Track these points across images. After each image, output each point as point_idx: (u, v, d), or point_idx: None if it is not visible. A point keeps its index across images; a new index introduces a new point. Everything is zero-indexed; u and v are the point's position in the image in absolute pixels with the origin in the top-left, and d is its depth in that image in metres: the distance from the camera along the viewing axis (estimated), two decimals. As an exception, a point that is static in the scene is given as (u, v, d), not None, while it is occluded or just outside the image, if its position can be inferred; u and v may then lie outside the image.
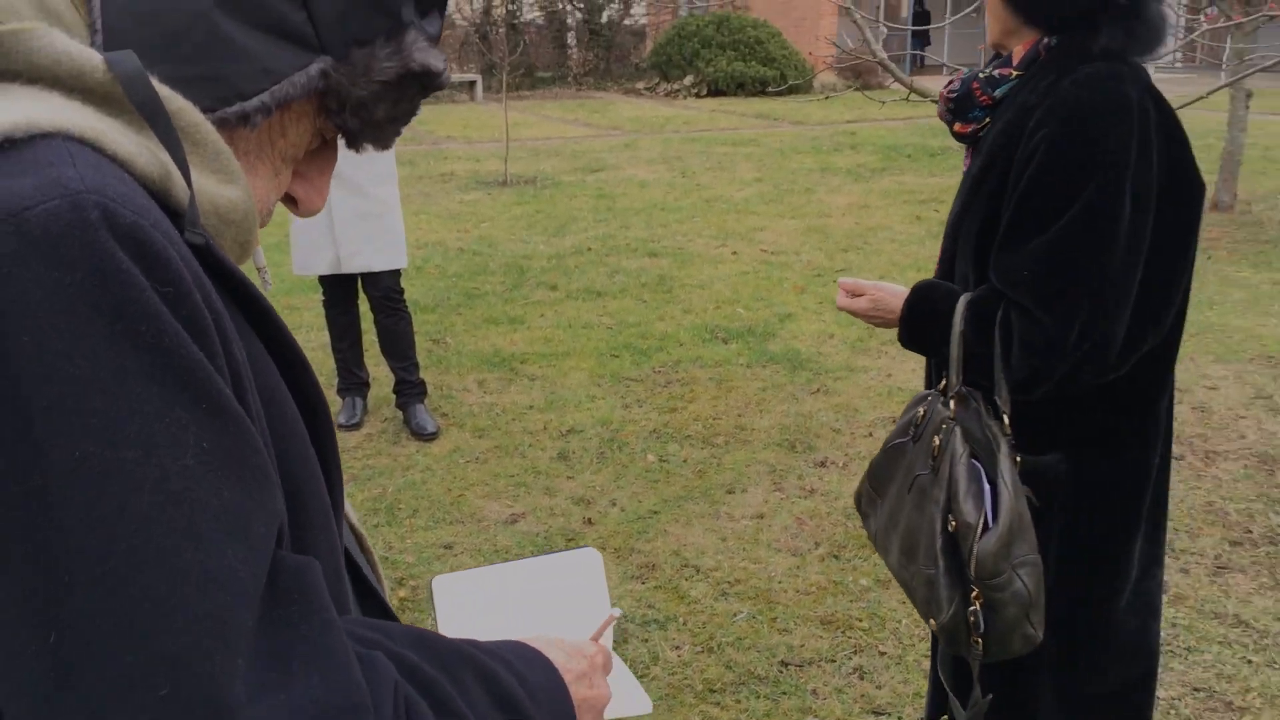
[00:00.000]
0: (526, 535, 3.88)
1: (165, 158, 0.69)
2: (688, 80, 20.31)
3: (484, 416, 4.98)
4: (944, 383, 1.89)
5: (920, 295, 1.98)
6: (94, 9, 0.74)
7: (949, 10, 24.69)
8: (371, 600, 0.95)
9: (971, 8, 4.92)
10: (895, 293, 2.05)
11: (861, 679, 3.07)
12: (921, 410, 1.93)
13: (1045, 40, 1.84)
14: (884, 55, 4.63)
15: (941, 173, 11.63)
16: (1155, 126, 1.71)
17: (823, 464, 4.47)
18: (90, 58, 0.68)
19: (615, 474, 4.39)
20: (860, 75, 18.09)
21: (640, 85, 21.34)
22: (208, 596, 0.61)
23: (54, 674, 0.59)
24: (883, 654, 3.17)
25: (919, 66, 23.76)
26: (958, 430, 1.80)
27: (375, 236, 4.59)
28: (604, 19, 23.20)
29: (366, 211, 4.55)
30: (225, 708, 0.60)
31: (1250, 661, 3.11)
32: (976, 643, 1.74)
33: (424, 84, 0.86)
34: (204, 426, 0.63)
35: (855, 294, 2.10)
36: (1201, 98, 5.11)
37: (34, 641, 0.59)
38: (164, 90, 0.71)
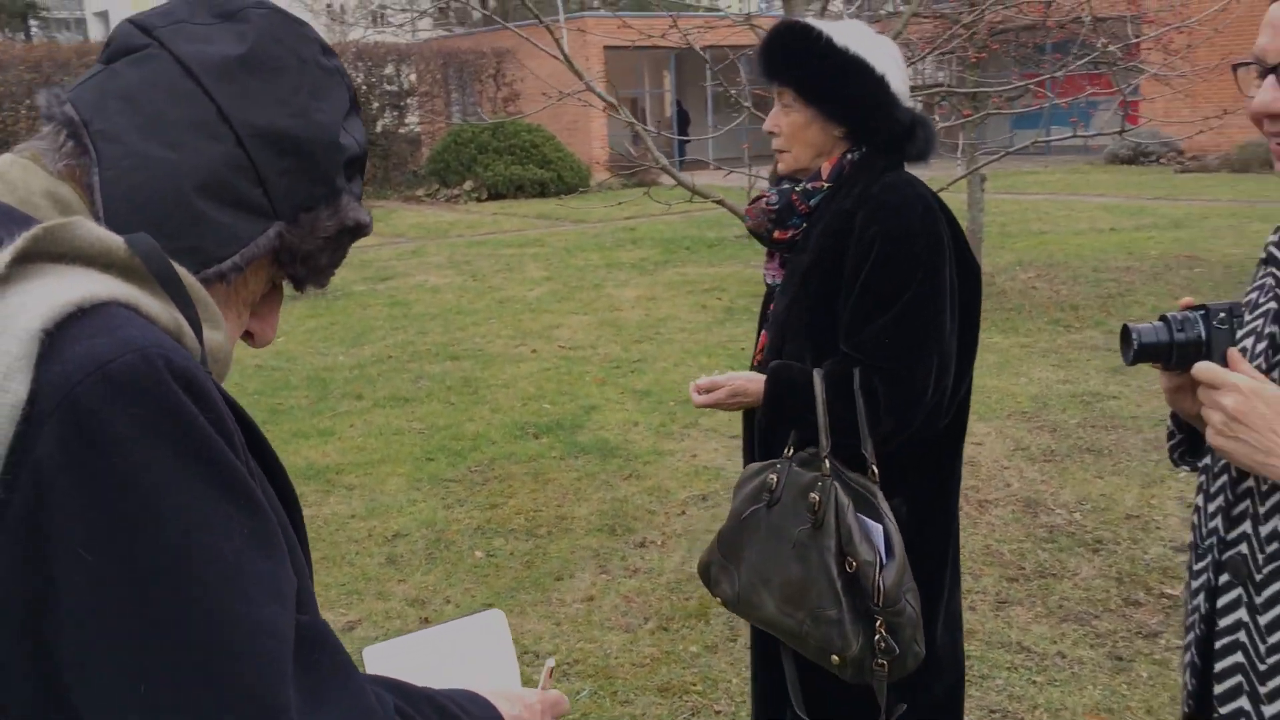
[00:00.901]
0: (365, 640, 3.95)
1: (177, 314, 0.90)
2: (467, 185, 20.69)
3: (306, 529, 5.01)
4: (791, 451, 2.19)
5: (778, 376, 2.23)
6: (96, 202, 0.95)
7: (709, 109, 26.13)
8: None
9: (743, 116, 5.41)
10: (750, 378, 2.28)
11: (702, 737, 3.30)
12: (773, 477, 2.18)
13: (850, 156, 2.24)
14: (665, 161, 5.04)
15: (719, 263, 12.30)
16: (945, 220, 2.19)
17: (643, 544, 4.73)
18: (115, 241, 0.89)
19: (446, 573, 4.52)
20: (636, 174, 18.89)
21: (420, 192, 21.57)
22: (265, 644, 0.82)
23: (161, 706, 0.79)
24: (718, 712, 3.42)
25: (683, 165, 24.95)
26: (836, 485, 2.08)
27: None
28: (379, 128, 23.39)
29: None
30: None
31: (1034, 682, 3.52)
32: (881, 666, 2.01)
33: (354, 233, 1.08)
34: (245, 516, 0.84)
35: (710, 389, 2.31)
36: (944, 188, 5.77)
37: (133, 687, 0.79)
38: (165, 260, 0.92)
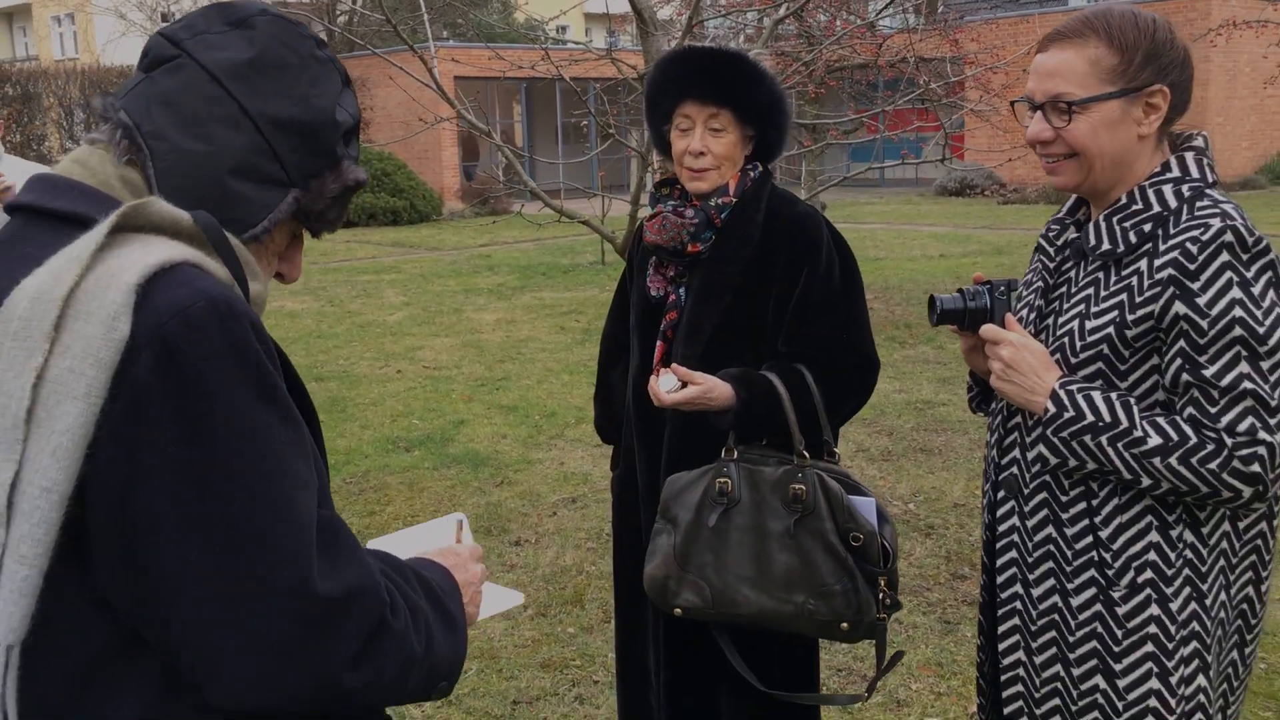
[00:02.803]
0: (256, 637, 4.13)
1: (228, 272, 1.19)
2: (318, 213, 20.55)
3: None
4: (733, 453, 2.39)
5: (744, 380, 2.41)
6: (152, 185, 1.22)
7: (560, 139, 26.56)
8: None
9: (605, 144, 5.78)
10: (718, 382, 2.39)
11: (583, 704, 3.62)
12: (724, 481, 2.35)
13: (752, 173, 2.54)
14: (534, 185, 5.38)
15: (575, 287, 12.67)
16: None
17: (518, 543, 5.02)
18: (183, 215, 1.17)
19: (329, 574, 4.71)
20: (488, 202, 19.13)
21: (269, 220, 21.31)
22: (301, 518, 1.12)
23: (221, 559, 1.08)
24: (596, 682, 3.75)
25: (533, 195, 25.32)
26: (820, 475, 2.30)
27: None
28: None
29: None
30: (310, 578, 1.10)
31: (877, 645, 3.96)
32: (883, 619, 2.29)
33: (355, 189, 1.36)
34: (285, 426, 1.14)
35: (687, 382, 2.38)
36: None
37: (204, 555, 1.08)
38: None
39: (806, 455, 2.37)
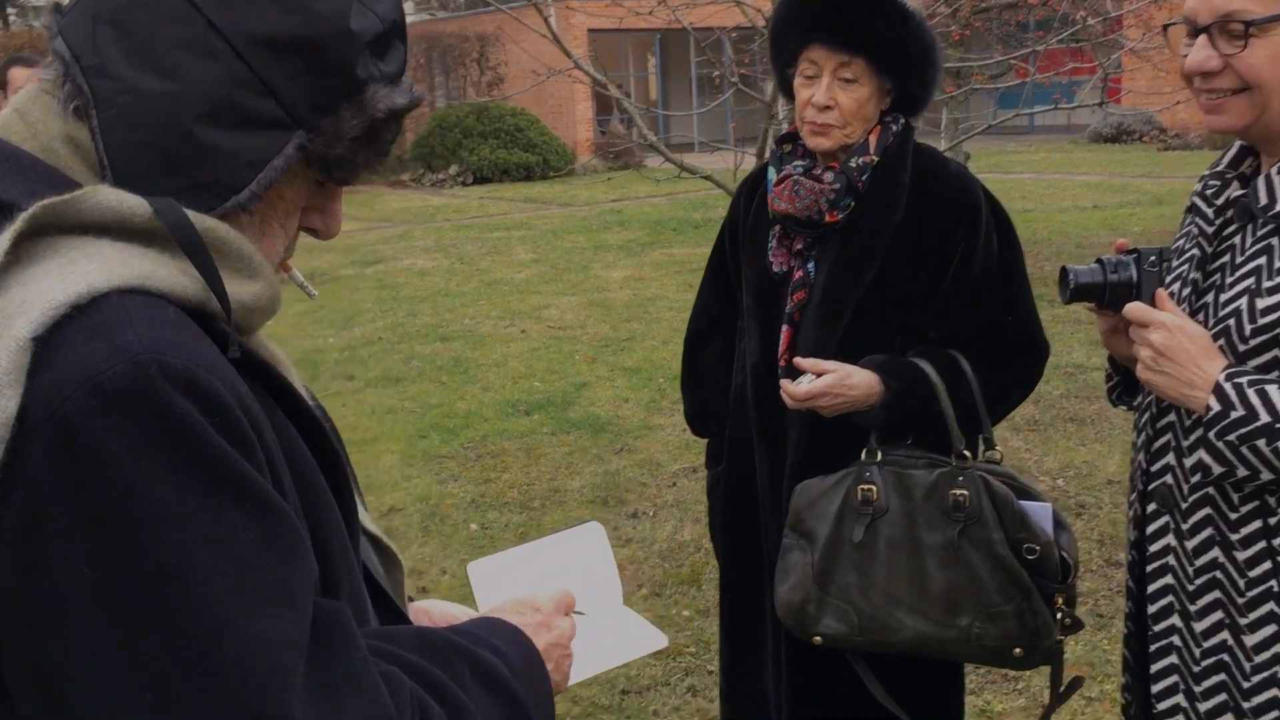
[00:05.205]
0: (364, 610, 4.02)
1: (199, 278, 0.89)
2: (452, 170, 20.67)
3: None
4: (876, 454, 2.09)
5: (893, 370, 2.09)
6: (99, 149, 0.92)
7: (694, 92, 26.15)
8: (384, 603, 1.14)
9: (729, 93, 5.47)
10: (854, 370, 2.07)
11: (695, 696, 3.39)
12: (867, 489, 2.04)
13: (894, 127, 2.18)
14: (655, 139, 5.10)
15: (706, 243, 12.26)
16: None
17: (634, 515, 4.81)
18: (135, 206, 0.88)
19: (441, 545, 4.59)
20: (620, 157, 18.91)
21: (405, 177, 21.53)
22: (269, 657, 0.83)
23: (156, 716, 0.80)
24: (710, 672, 3.50)
25: (670, 147, 25.01)
26: (984, 477, 2.00)
27: None
28: (363, 114, 23.30)
29: None
30: None
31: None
32: (1060, 642, 2.00)
33: (392, 121, 1.00)
34: (251, 521, 0.84)
35: (817, 373, 2.07)
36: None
37: (136, 706, 0.80)
38: (192, 215, 0.90)
39: (968, 455, 2.07)
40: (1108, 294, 1.69)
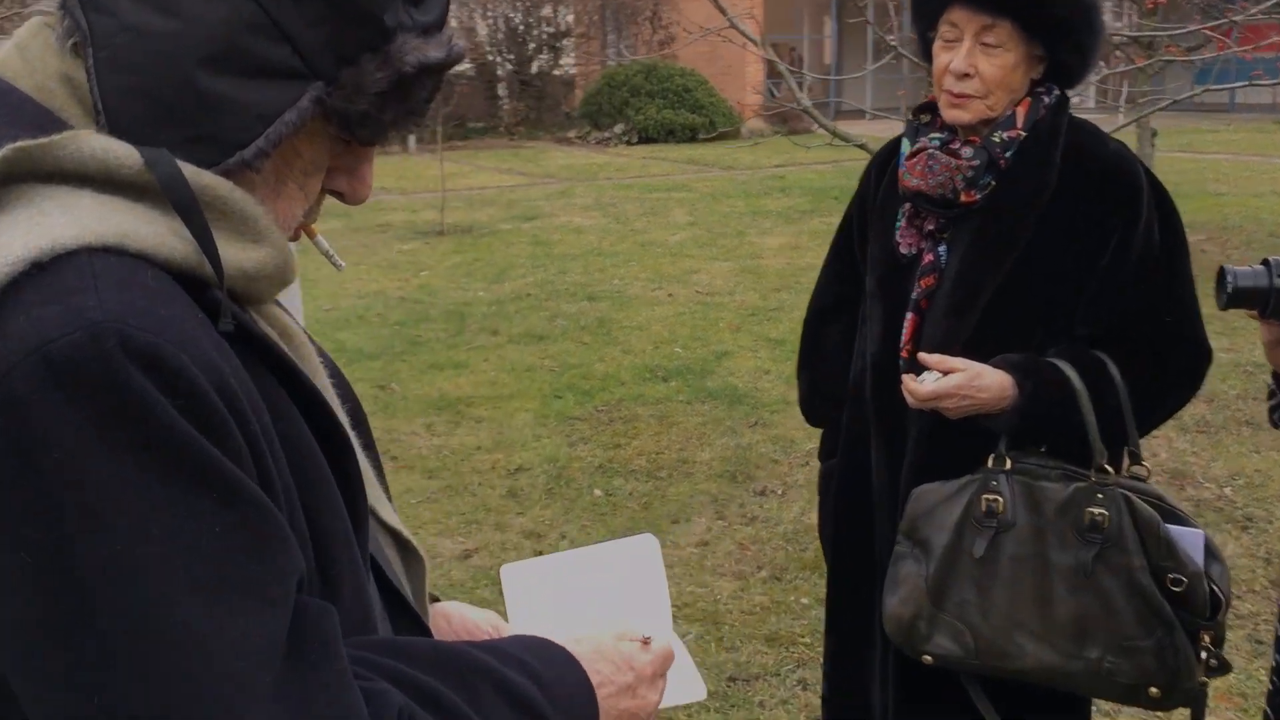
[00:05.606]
0: (479, 569, 4.01)
1: (190, 239, 0.80)
2: (618, 128, 20.67)
3: (433, 458, 5.11)
4: (1005, 462, 1.89)
5: (1030, 371, 1.89)
6: (94, 92, 0.82)
7: (870, 58, 25.39)
8: (400, 609, 1.04)
9: (890, 55, 5.20)
10: (986, 369, 1.89)
11: (805, 690, 3.24)
12: (993, 499, 1.87)
13: (1046, 99, 1.96)
14: (809, 103, 4.89)
15: (868, 213, 11.98)
16: None
17: (762, 493, 4.66)
18: (124, 156, 0.79)
19: (564, 508, 4.54)
20: (787, 121, 18.55)
21: (572, 134, 21.65)
22: (228, 665, 0.73)
23: None
24: (825, 666, 3.35)
25: (838, 116, 24.40)
26: (1127, 496, 1.81)
27: None
28: (534, 70, 23.53)
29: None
30: None
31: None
32: (1204, 684, 1.81)
33: (423, 78, 0.88)
34: (218, 513, 0.74)
35: (944, 370, 1.90)
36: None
37: (81, 710, 0.72)
38: (189, 170, 0.81)
39: (1110, 469, 1.86)
40: (1272, 300, 1.46)
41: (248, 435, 0.79)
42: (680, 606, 3.71)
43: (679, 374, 6.28)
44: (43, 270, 0.73)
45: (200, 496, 0.74)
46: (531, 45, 23.69)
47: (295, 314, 4.20)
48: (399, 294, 8.45)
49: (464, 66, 23.53)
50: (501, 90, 23.78)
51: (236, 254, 0.84)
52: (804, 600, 3.74)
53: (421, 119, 0.93)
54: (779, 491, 4.67)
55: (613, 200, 13.28)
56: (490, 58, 23.41)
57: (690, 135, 20.25)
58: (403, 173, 16.45)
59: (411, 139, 20.27)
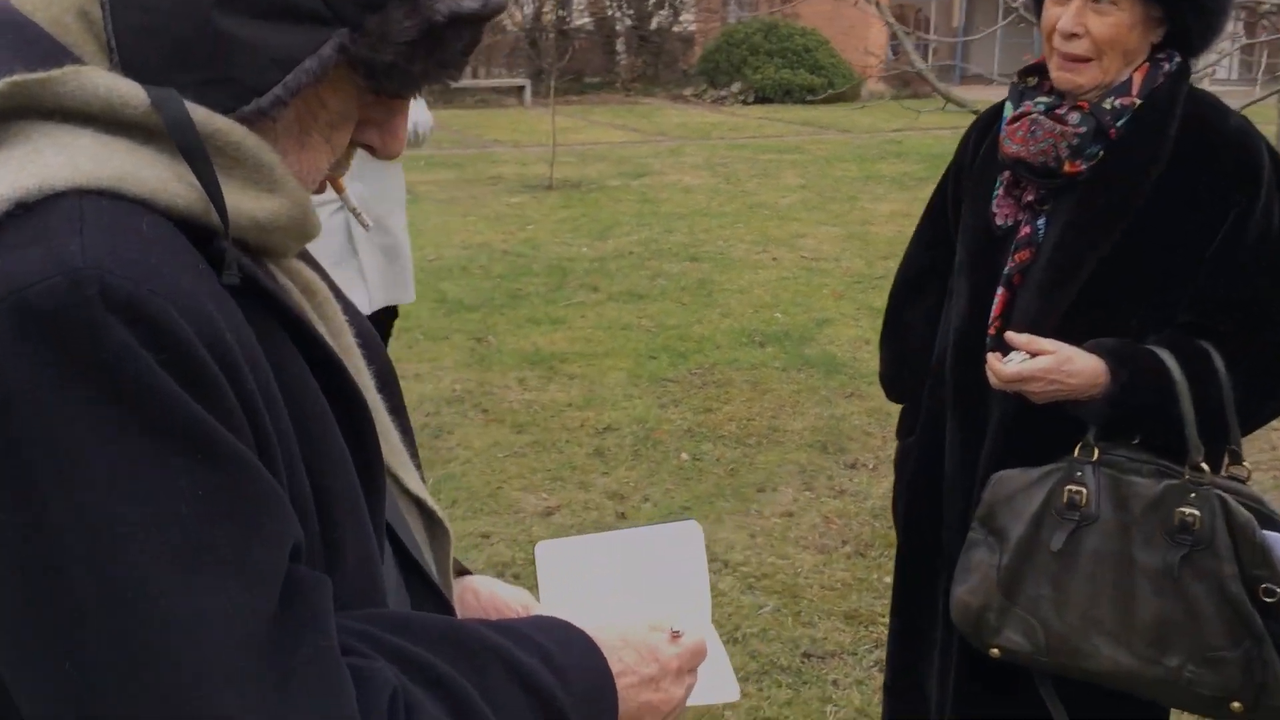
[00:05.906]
0: (561, 528, 3.99)
1: (199, 193, 0.75)
2: (735, 87, 20.40)
3: (524, 413, 5.11)
4: (1093, 452, 1.80)
5: (1124, 356, 1.78)
6: (107, 29, 0.78)
7: (1000, 19, 24.55)
8: (420, 582, 1.00)
9: (1011, 16, 4.98)
10: (1078, 352, 1.78)
11: (881, 671, 3.14)
12: (1077, 490, 1.77)
13: (1165, 66, 1.83)
14: (924, 66, 4.71)
15: (986, 182, 11.62)
16: None
17: (853, 466, 4.56)
18: (129, 95, 0.75)
19: (649, 471, 4.50)
20: (909, 84, 18.07)
21: (688, 92, 21.44)
22: (201, 639, 0.68)
23: (70, 707, 0.68)
24: (903, 649, 3.26)
25: (963, 80, 23.68)
26: (1222, 497, 1.71)
27: (400, 271, 4.34)
28: (653, 26, 23.34)
29: (388, 246, 4.24)
30: None
31: None
32: None
33: (464, 27, 0.83)
34: (199, 475, 0.70)
35: (1032, 351, 1.79)
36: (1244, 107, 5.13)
37: (51, 678, 0.68)
38: (200, 114, 0.76)
39: (1206, 468, 1.73)
40: None
41: (242, 393, 0.74)
42: (759, 578, 3.65)
43: (776, 339, 6.17)
44: (29, 211, 0.70)
45: (182, 456, 0.69)
46: (651, 1, 23.48)
47: (371, 271, 4.10)
48: (503, 247, 8.47)
49: (583, 20, 23.53)
50: (619, 45, 23.66)
51: (248, 203, 0.80)
52: (886, 579, 3.63)
53: (457, 73, 0.87)
54: (870, 465, 4.56)
55: (724, 160, 13.11)
56: (610, 12, 23.30)
57: (807, 96, 19.89)
58: (516, 126, 16.51)
59: (527, 92, 20.33)
